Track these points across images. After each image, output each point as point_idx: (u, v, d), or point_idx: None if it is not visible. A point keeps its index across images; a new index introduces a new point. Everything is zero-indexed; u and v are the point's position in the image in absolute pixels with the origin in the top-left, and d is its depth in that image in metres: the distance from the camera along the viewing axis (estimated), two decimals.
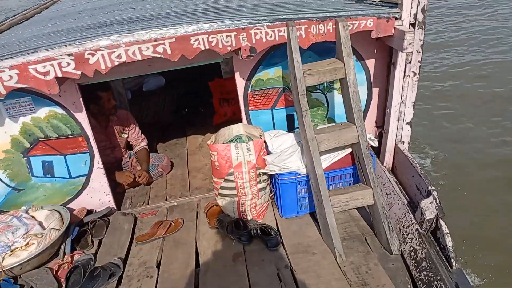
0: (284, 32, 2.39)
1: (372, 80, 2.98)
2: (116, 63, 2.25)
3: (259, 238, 2.53)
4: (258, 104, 2.94)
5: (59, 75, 2.22)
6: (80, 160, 2.83)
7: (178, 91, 5.70)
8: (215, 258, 2.44)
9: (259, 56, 2.73)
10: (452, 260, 2.12)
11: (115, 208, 3.06)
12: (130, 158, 3.60)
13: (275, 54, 2.75)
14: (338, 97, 3.00)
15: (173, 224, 2.76)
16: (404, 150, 2.89)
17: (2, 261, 2.35)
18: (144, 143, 3.58)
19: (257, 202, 2.74)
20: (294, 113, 2.99)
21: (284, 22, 2.36)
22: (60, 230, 2.61)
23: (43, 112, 2.65)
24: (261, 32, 2.37)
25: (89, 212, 2.96)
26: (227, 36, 2.33)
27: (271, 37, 2.40)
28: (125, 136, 3.51)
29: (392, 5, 2.58)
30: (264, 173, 2.74)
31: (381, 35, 2.54)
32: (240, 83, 2.83)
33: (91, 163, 2.85)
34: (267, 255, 2.42)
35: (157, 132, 4.49)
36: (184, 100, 5.23)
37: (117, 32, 2.27)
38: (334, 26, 2.41)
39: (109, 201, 3.02)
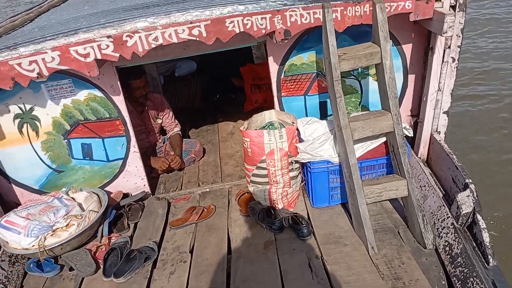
0: (319, 14, 2.32)
1: (408, 66, 2.88)
2: (153, 45, 2.25)
3: (290, 227, 2.54)
4: (290, 90, 2.91)
5: (99, 57, 2.24)
6: (117, 144, 2.91)
7: (209, 76, 5.72)
8: (247, 245, 2.47)
9: (293, 40, 2.68)
10: (489, 256, 2.05)
11: (150, 192, 3.13)
12: (164, 143, 3.66)
13: (309, 38, 2.70)
14: (372, 84, 2.92)
15: (205, 210, 2.81)
16: (440, 140, 2.79)
17: (44, 240, 2.44)
18: (177, 129, 3.63)
19: (289, 191, 2.74)
20: (328, 99, 2.94)
21: (319, 4, 2.30)
22: (98, 212, 2.70)
23: (82, 95, 2.71)
24: (296, 15, 2.32)
25: (125, 195, 3.04)
26: (262, 19, 2.29)
27: (306, 19, 2.34)
28: (159, 121, 3.56)
29: None
30: (296, 161, 2.72)
31: (419, 18, 2.44)
32: (273, 68, 2.80)
33: (127, 147, 2.92)
34: (298, 244, 2.42)
35: (189, 117, 4.54)
36: (216, 86, 5.25)
37: (154, 14, 2.28)
38: (371, 8, 2.33)
39: (144, 185, 3.09)
